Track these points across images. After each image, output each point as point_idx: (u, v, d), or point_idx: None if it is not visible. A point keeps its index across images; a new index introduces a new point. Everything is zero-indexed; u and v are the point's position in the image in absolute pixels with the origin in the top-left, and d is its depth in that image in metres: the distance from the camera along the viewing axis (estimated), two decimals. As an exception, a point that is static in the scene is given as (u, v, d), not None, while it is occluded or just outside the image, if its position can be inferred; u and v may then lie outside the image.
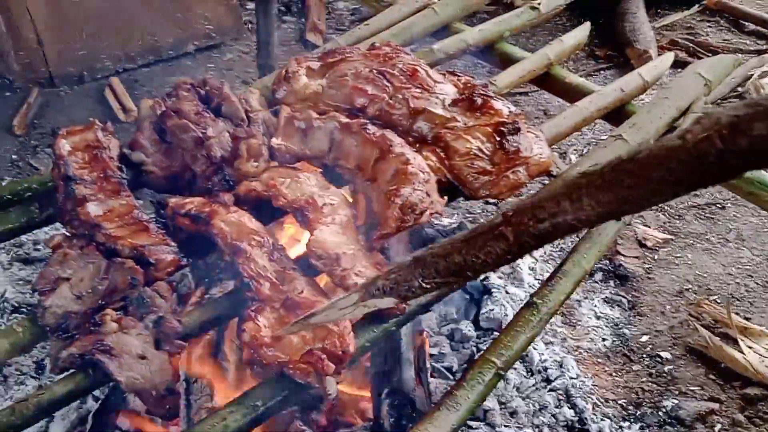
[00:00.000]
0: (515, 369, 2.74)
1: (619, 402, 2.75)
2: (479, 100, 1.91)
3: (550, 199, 0.95)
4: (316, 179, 1.81)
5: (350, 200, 1.84)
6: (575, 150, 4.00)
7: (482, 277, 3.04)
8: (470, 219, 3.53)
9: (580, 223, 0.95)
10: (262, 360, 1.48)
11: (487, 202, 3.63)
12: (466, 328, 2.82)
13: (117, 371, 1.45)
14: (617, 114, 2.26)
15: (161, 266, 1.64)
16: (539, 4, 2.66)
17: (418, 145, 1.87)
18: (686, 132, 0.80)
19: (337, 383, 1.48)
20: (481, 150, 1.83)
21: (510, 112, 1.91)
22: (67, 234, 1.73)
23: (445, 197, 1.78)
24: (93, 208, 1.71)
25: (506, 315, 2.85)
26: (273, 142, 1.89)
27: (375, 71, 1.99)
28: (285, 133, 1.91)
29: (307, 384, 1.44)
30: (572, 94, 2.36)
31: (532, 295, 1.82)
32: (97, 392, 2.43)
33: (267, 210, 1.82)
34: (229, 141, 1.89)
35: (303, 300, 1.55)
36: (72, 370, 1.49)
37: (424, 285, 1.07)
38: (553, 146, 3.55)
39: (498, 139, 1.84)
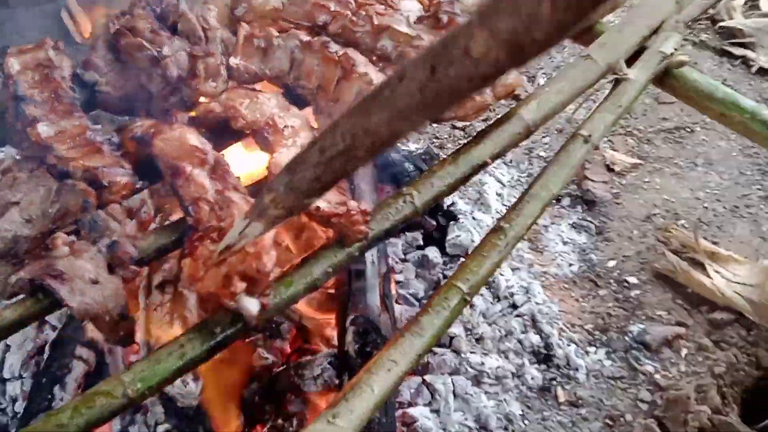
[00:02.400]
0: (481, 295, 2.73)
1: (586, 327, 2.74)
2: (445, 18, 1.84)
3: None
4: (276, 100, 1.75)
5: (312, 123, 1.79)
6: (544, 74, 3.94)
7: (448, 203, 3.01)
8: (437, 144, 3.48)
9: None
10: (201, 296, 1.42)
11: (453, 126, 3.57)
12: (433, 254, 2.79)
13: (68, 296, 1.40)
14: (587, 35, 2.20)
15: (115, 189, 1.58)
16: None
17: (381, 64, 1.82)
18: None
19: (264, 306, 1.42)
20: (446, 69, 1.78)
21: (477, 30, 1.84)
22: (17, 157, 1.67)
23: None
24: (44, 129, 1.64)
25: (473, 241, 2.82)
26: (231, 61, 1.82)
27: (337, -13, 1.91)
28: (244, 52, 1.84)
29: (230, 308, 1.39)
30: (541, 14, 2.29)
31: (498, 220, 1.79)
32: (54, 321, 2.39)
33: (227, 132, 1.76)
34: (186, 60, 1.82)
35: None
36: (21, 296, 1.43)
37: (315, 198, 1.10)
38: (522, 69, 3.51)
39: (464, 58, 1.78)
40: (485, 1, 0.74)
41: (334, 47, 1.78)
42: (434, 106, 0.85)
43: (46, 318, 2.38)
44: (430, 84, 0.82)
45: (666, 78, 2.12)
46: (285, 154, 1.62)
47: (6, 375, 2.35)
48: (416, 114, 0.87)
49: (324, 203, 1.49)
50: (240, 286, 1.36)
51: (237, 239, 1.15)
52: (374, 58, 1.82)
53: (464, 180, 1.75)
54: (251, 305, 1.38)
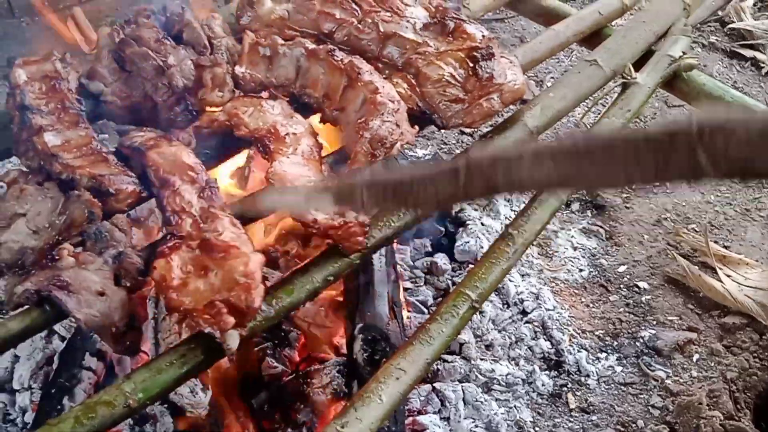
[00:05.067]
0: (491, 301, 2.72)
1: (596, 333, 2.73)
2: (451, 24, 1.84)
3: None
4: (281, 107, 1.75)
5: (316, 130, 1.78)
6: (552, 78, 3.92)
7: (457, 208, 3.00)
8: (445, 150, 3.47)
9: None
10: (167, 304, 1.41)
11: (461, 132, 3.56)
12: (441, 261, 2.78)
13: (75, 308, 1.40)
14: (595, 38, 2.20)
15: (121, 197, 1.58)
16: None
17: (387, 72, 1.81)
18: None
19: (241, 336, 1.37)
20: (453, 76, 1.77)
21: (483, 36, 1.84)
22: (24, 169, 1.67)
23: (416, 127, 1.72)
24: (50, 138, 1.64)
25: (482, 247, 2.81)
26: (237, 70, 1.82)
27: (343, -6, 1.91)
28: (249, 61, 1.84)
29: (209, 334, 1.36)
30: (548, 18, 2.29)
31: (507, 226, 1.78)
32: (63, 332, 2.38)
33: (232, 141, 1.76)
34: (192, 69, 1.82)
35: (220, 243, 1.44)
36: (27, 306, 1.43)
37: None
38: (530, 73, 3.50)
39: (471, 64, 1.77)
40: None
41: (339, 55, 1.77)
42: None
43: (55, 328, 2.38)
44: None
45: (675, 81, 2.11)
46: (284, 164, 1.61)
47: (15, 386, 2.34)
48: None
49: (322, 215, 1.48)
50: (229, 321, 1.34)
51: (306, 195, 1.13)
52: (380, 65, 1.81)
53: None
54: (233, 340, 1.36)
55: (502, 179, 0.95)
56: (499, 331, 2.65)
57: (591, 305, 2.83)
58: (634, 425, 2.43)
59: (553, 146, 0.93)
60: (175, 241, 1.46)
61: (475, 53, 1.77)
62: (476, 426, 2.36)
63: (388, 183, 1.05)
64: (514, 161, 0.94)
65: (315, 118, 1.83)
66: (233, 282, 1.37)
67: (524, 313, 2.73)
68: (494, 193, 1.00)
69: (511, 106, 1.85)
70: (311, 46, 1.81)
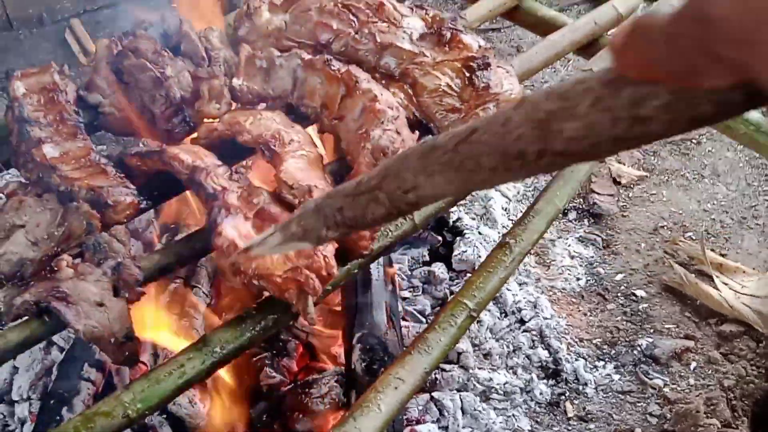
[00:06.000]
0: (488, 310, 2.72)
1: (594, 341, 2.73)
2: (448, 34, 1.84)
3: (408, 170, 0.88)
4: (280, 117, 1.75)
5: (316, 139, 1.79)
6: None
7: (454, 218, 3.01)
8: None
9: (438, 197, 0.90)
10: (237, 269, 1.42)
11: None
12: (439, 270, 2.79)
13: (74, 319, 1.40)
14: (591, 48, 2.21)
15: (120, 208, 1.58)
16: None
17: (384, 82, 1.82)
18: (508, 119, 0.75)
19: (315, 304, 1.43)
20: (450, 86, 1.78)
21: (480, 46, 1.84)
22: (23, 181, 1.67)
23: (416, 132, 1.72)
24: (49, 150, 1.64)
25: (479, 256, 2.82)
26: (234, 83, 1.82)
27: (340, 5, 1.91)
28: (246, 73, 1.84)
29: (287, 301, 1.40)
30: (544, 28, 2.30)
31: (504, 235, 1.78)
32: (62, 342, 2.39)
33: (230, 151, 1.76)
34: (189, 81, 1.83)
35: (275, 212, 1.49)
36: (26, 318, 1.43)
37: (328, 234, 1.02)
38: (526, 82, 3.51)
39: (467, 74, 1.78)
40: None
41: (336, 65, 1.78)
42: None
43: (54, 339, 2.38)
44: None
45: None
46: (296, 163, 1.62)
47: (14, 397, 2.34)
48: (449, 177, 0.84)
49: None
50: (318, 285, 1.39)
51: (257, 244, 1.13)
52: (377, 75, 1.82)
53: (464, 195, 1.75)
54: (311, 306, 1.41)
55: (414, 197, 0.90)
56: (497, 340, 2.65)
57: (588, 314, 2.84)
58: (632, 433, 2.44)
59: (431, 155, 0.87)
60: (231, 212, 1.49)
61: (471, 63, 1.78)
62: (474, 435, 2.37)
63: (333, 209, 1.00)
64: (409, 176, 0.89)
65: (312, 129, 1.84)
66: (310, 252, 1.41)
67: (522, 321, 2.74)
68: (420, 207, 0.96)
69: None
70: (308, 56, 1.81)
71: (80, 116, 1.77)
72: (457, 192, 0.91)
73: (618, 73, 0.67)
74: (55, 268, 1.47)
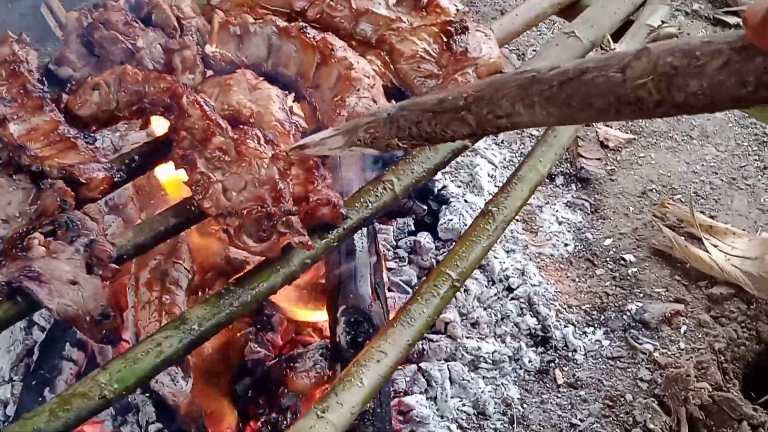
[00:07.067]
0: (475, 279, 2.69)
1: (583, 307, 2.71)
2: (424, -1, 1.81)
3: (505, 98, 0.95)
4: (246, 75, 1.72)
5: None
6: (534, 50, 3.88)
7: (439, 186, 2.98)
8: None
9: (535, 125, 0.97)
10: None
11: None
12: (425, 240, 2.76)
13: (47, 299, 1.36)
14: (573, 9, 2.17)
15: (93, 185, 1.55)
16: None
17: (361, 49, 1.78)
18: (627, 67, 0.82)
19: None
20: (427, 52, 1.74)
21: (457, 10, 1.81)
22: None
23: (393, 101, 1.69)
24: (15, 128, 1.59)
25: (465, 224, 2.78)
26: (207, 49, 1.78)
27: (314, -29, 1.87)
28: (220, 40, 1.80)
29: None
30: (526, -10, 2.26)
31: (487, 203, 1.76)
32: (43, 322, 2.35)
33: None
34: (161, 52, 1.78)
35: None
36: (-1, 299, 1.40)
37: (400, 144, 1.11)
38: (511, 46, 3.46)
39: (445, 39, 1.74)
40: None
41: (311, 32, 1.74)
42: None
43: (34, 319, 2.35)
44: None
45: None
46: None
47: (-4, 378, 2.32)
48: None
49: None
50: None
51: (316, 143, 1.15)
52: (353, 43, 1.78)
53: (444, 164, 1.73)
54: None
55: (506, 122, 0.97)
56: (485, 309, 2.63)
57: (577, 280, 2.82)
58: (622, 399, 2.42)
59: (532, 88, 0.93)
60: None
61: (449, 27, 1.74)
62: (463, 405, 2.35)
63: (408, 122, 1.08)
64: (506, 104, 0.95)
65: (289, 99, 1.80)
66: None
67: (510, 289, 2.71)
68: (507, 130, 1.01)
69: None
70: (282, 24, 1.77)
71: (44, 85, 1.71)
72: (553, 124, 1.06)
73: (750, 42, 0.76)
74: (27, 247, 1.43)
